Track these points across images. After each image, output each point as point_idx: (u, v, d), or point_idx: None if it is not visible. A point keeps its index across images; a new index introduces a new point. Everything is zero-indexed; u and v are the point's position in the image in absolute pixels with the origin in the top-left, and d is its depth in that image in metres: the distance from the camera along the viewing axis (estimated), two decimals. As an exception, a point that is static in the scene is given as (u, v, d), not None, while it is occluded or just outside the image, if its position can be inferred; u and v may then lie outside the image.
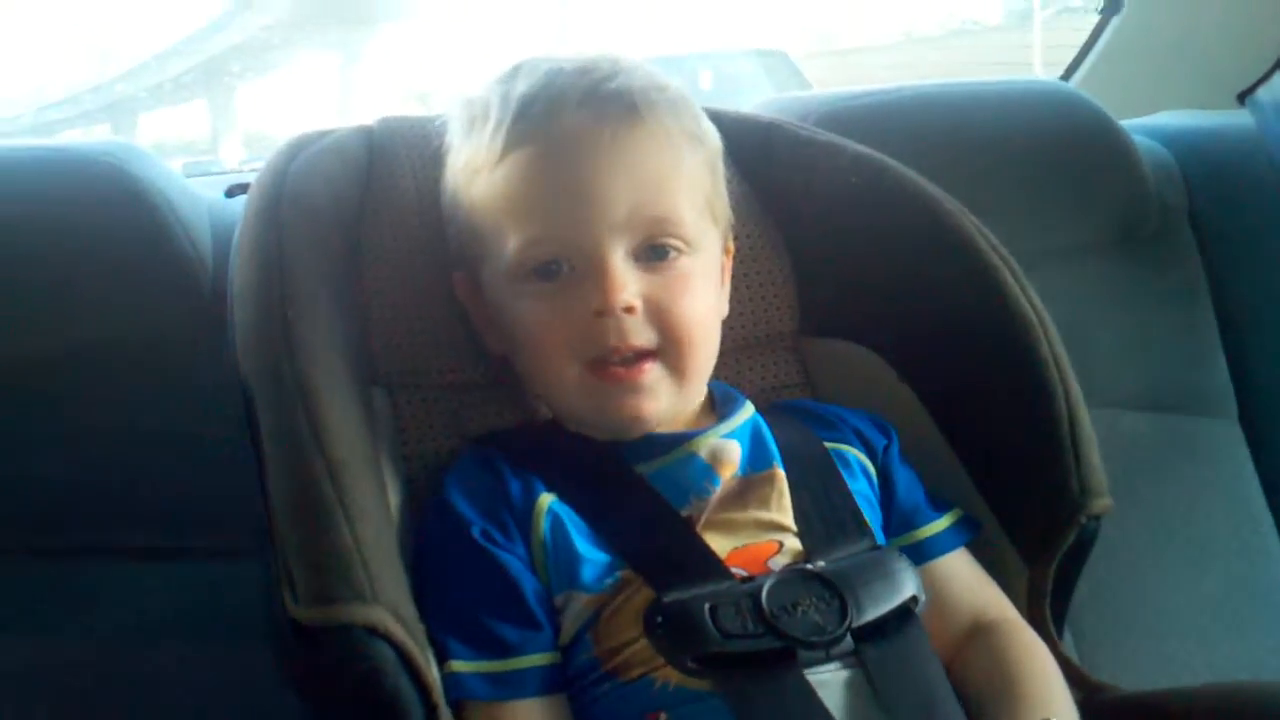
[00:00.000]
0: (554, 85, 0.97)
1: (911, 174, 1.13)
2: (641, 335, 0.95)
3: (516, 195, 0.96)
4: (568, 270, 0.95)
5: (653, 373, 0.96)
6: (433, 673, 0.85)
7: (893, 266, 1.12)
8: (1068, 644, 1.02)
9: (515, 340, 1.00)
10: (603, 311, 0.94)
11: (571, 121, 0.95)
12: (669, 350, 0.96)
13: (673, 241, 0.97)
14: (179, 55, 7.42)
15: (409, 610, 0.86)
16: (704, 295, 1.00)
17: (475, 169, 0.99)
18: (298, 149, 1.04)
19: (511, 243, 0.96)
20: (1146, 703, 0.97)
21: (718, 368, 1.11)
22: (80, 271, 1.16)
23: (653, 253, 0.97)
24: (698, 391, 1.03)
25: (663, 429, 1.00)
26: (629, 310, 0.94)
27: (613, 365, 0.95)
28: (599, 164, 0.95)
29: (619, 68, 0.99)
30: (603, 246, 0.94)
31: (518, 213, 0.96)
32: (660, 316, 0.96)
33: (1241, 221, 1.58)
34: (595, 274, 0.94)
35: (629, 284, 0.94)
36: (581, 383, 0.96)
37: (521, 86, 0.98)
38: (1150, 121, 1.73)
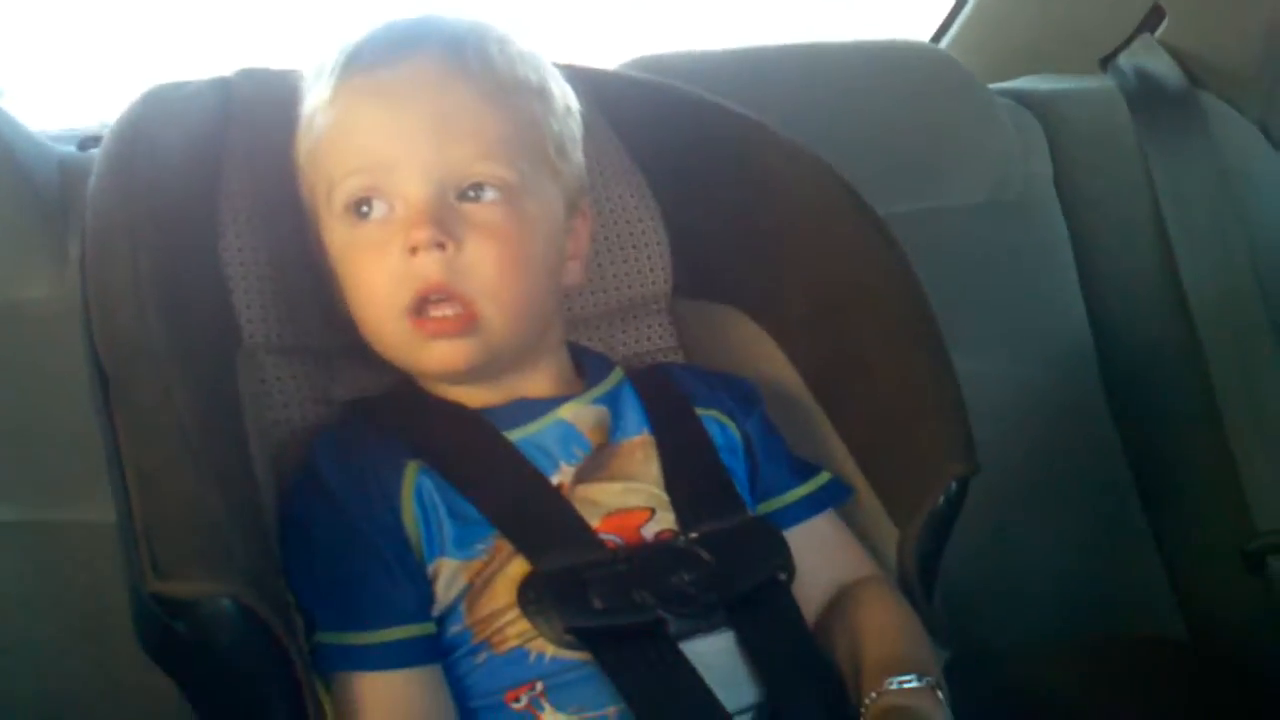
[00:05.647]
0: (386, 33, 0.96)
1: (789, 136, 1.12)
2: (454, 275, 0.92)
3: (338, 135, 0.94)
4: (386, 211, 0.93)
5: (462, 321, 0.92)
6: (299, 646, 0.82)
7: (769, 228, 1.11)
8: (937, 603, 1.03)
9: (348, 294, 0.97)
10: (415, 247, 0.91)
11: (399, 62, 0.94)
12: (483, 298, 0.93)
13: (493, 185, 0.94)
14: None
15: (275, 581, 0.83)
16: (525, 243, 0.95)
17: (310, 121, 0.97)
18: (154, 100, 0.99)
19: (334, 180, 0.94)
20: (1014, 658, 0.99)
21: (589, 332, 1.10)
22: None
23: (473, 194, 0.93)
24: (517, 340, 0.97)
25: (532, 395, 0.98)
26: (441, 246, 0.91)
27: (429, 317, 0.92)
28: (420, 101, 0.93)
29: (456, 17, 0.98)
30: (416, 181, 0.92)
31: (341, 151, 0.94)
32: (476, 258, 0.92)
33: (1103, 184, 1.61)
34: (408, 210, 0.92)
35: (443, 220, 0.91)
36: (400, 331, 0.93)
37: (357, 36, 0.96)
38: (1015, 85, 1.75)
